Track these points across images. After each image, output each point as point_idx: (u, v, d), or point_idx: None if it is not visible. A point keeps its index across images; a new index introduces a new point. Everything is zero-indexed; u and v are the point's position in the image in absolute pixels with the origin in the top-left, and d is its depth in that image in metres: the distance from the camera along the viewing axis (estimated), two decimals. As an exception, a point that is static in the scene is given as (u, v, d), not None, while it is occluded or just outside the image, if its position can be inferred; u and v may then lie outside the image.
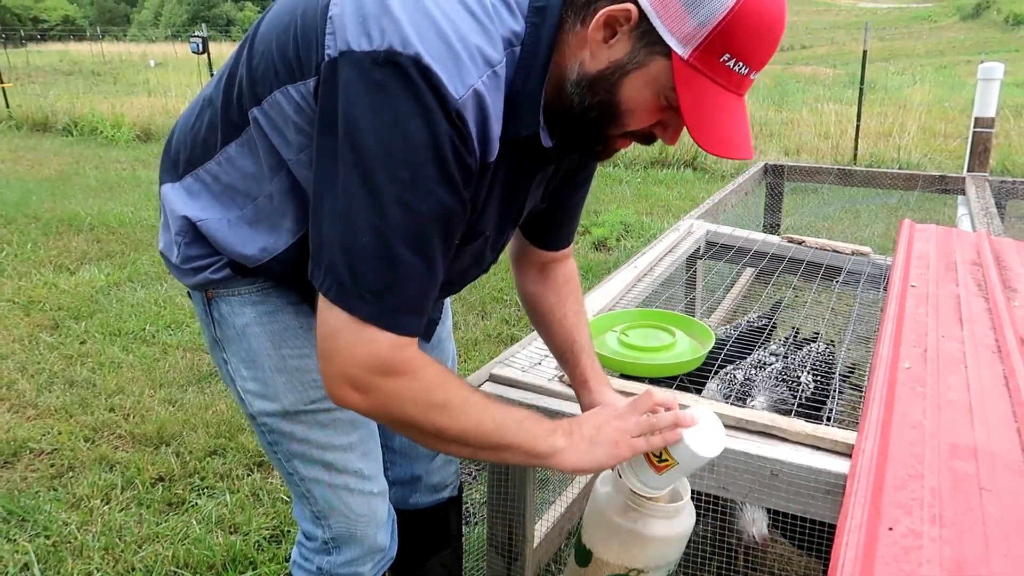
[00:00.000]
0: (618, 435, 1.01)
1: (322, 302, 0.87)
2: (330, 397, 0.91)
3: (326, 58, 0.85)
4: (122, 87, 15.01)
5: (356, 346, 0.86)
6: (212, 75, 9.69)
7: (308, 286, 0.94)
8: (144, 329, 3.46)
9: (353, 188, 0.83)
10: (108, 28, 48.66)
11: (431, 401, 0.91)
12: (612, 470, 1.13)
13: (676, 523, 1.12)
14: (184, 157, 1.06)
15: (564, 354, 1.27)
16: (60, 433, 2.55)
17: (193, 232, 1.05)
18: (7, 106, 11.32)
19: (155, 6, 62.21)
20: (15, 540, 2.03)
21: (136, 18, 64.93)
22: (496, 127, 0.90)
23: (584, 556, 1.19)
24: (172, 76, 13.44)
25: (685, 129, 0.92)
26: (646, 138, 0.97)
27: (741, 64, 0.87)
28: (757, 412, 1.33)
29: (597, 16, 0.87)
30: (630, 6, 0.85)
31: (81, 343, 3.32)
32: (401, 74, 0.81)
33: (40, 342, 3.31)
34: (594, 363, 1.26)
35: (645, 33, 0.86)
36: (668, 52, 0.86)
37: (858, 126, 7.69)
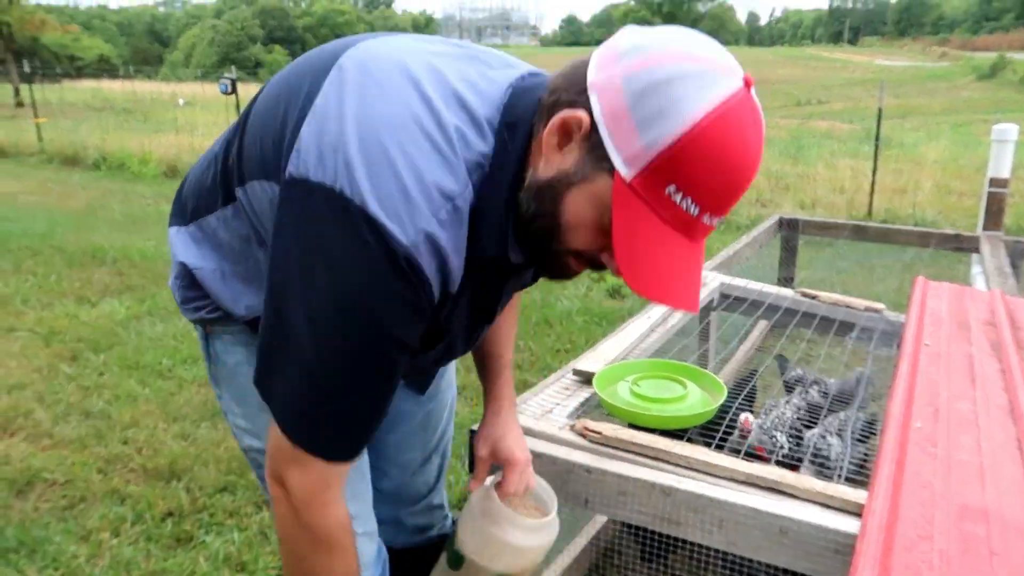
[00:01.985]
0: None
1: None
2: (265, 477, 0.96)
3: (287, 174, 0.84)
4: (151, 124, 15.36)
5: (293, 467, 0.90)
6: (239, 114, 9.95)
7: None
8: (161, 363, 3.50)
9: (293, 325, 0.84)
10: (141, 67, 50.02)
11: (306, 562, 0.96)
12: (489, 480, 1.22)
13: (542, 535, 1.21)
14: (192, 205, 1.09)
15: (485, 363, 1.28)
16: (74, 464, 2.57)
17: (190, 276, 1.08)
18: (40, 140, 11.63)
19: (187, 47, 63.99)
20: (24, 571, 2.04)
21: (168, 58, 66.78)
22: (456, 260, 0.87)
23: (456, 560, 1.25)
24: (200, 115, 13.76)
25: None
26: (592, 263, 0.90)
27: (690, 201, 0.79)
28: (766, 467, 1.34)
29: (554, 119, 0.82)
30: (582, 114, 0.80)
31: (99, 375, 3.36)
32: (349, 222, 0.79)
33: (59, 373, 3.36)
34: (510, 385, 1.29)
35: (595, 145, 0.80)
36: (612, 169, 0.79)
37: (873, 181, 7.73)
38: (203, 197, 1.07)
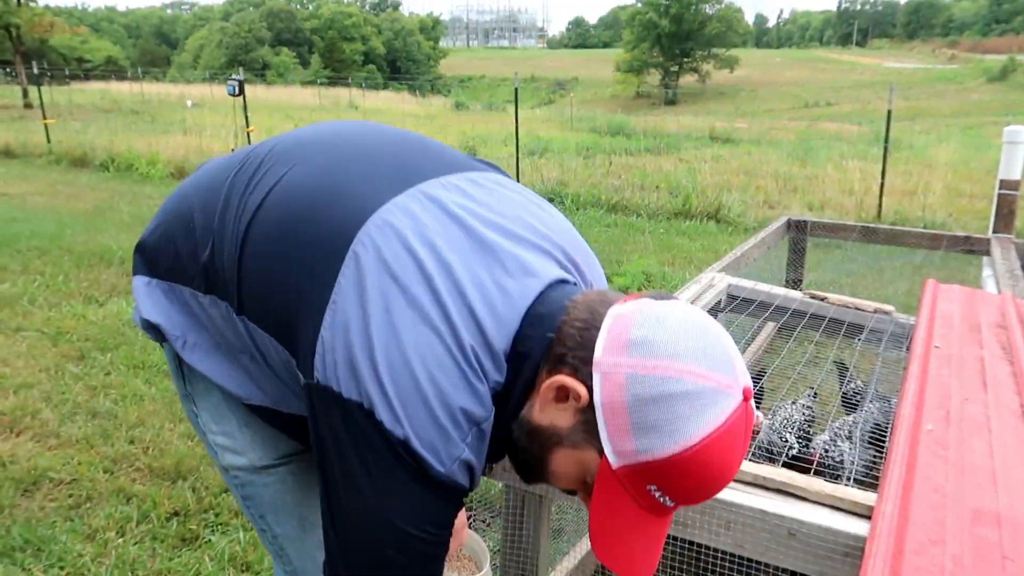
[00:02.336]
0: None
1: None
2: None
3: (314, 379, 0.86)
4: (159, 126, 15.44)
5: None
6: (246, 118, 9.92)
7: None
8: (167, 363, 3.50)
9: (354, 526, 0.87)
10: (149, 69, 50.26)
11: None
12: None
13: None
14: (162, 265, 1.06)
15: None
16: (80, 464, 2.57)
17: (157, 328, 1.06)
18: (48, 141, 11.69)
19: (194, 49, 64.23)
20: (30, 570, 2.04)
21: (176, 60, 67.07)
22: (479, 468, 0.91)
23: None
24: (208, 116, 13.82)
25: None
26: (571, 492, 0.94)
27: (667, 498, 0.83)
28: (775, 470, 1.32)
29: (555, 378, 0.84)
30: (582, 390, 0.82)
31: (106, 375, 3.36)
32: (391, 448, 0.83)
33: (66, 372, 3.36)
34: None
35: (588, 422, 0.83)
36: (602, 450, 0.82)
37: (882, 183, 7.70)
38: (176, 262, 1.03)
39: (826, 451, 1.86)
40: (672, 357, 0.79)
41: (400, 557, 0.88)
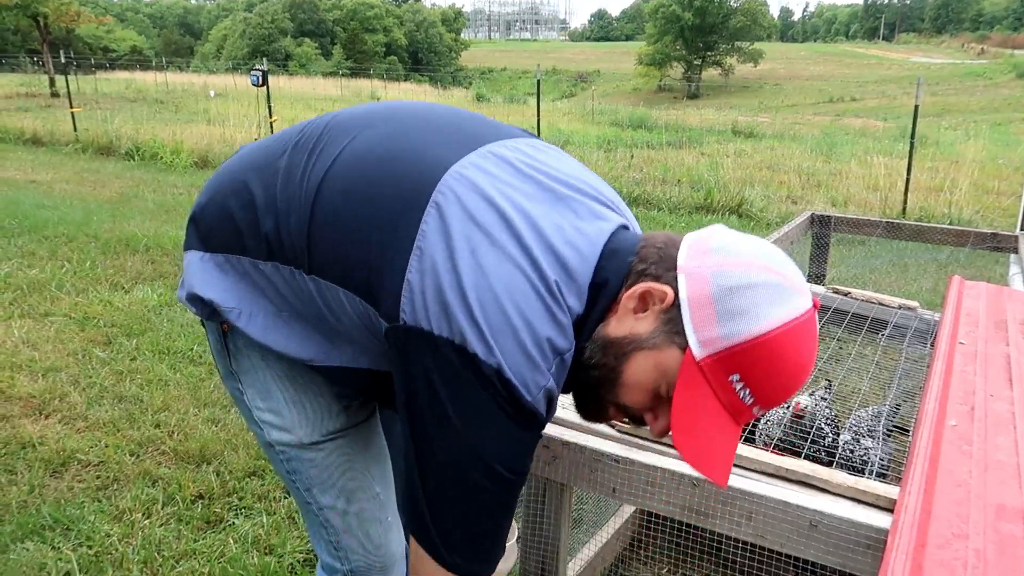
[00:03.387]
0: None
1: (414, 542, 0.96)
2: None
3: (400, 320, 0.89)
4: (183, 115, 15.58)
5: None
6: (270, 108, 9.97)
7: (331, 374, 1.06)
8: (192, 349, 3.55)
9: (440, 467, 0.90)
10: (173, 59, 50.70)
11: None
12: None
13: (507, 562, 1.24)
14: (216, 239, 1.06)
15: None
16: (107, 446, 2.62)
17: (208, 303, 1.06)
18: (75, 130, 11.84)
19: (218, 39, 64.66)
20: (59, 548, 2.08)
21: (200, 50, 67.56)
22: (555, 405, 0.95)
23: None
24: (231, 106, 13.91)
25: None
26: (635, 419, 0.98)
27: (748, 392, 0.87)
28: (797, 461, 1.32)
29: (636, 287, 0.91)
30: (668, 290, 0.89)
31: (131, 360, 3.42)
32: (486, 381, 0.86)
33: (93, 357, 3.42)
34: None
35: (672, 320, 0.89)
36: (685, 345, 0.88)
37: (908, 180, 7.60)
38: (235, 237, 1.04)
39: (851, 450, 1.86)
40: (753, 257, 0.88)
41: (484, 498, 0.91)
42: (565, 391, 0.99)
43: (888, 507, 1.22)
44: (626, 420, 1.00)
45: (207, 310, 1.08)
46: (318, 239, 0.96)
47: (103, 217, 6.33)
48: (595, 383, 0.95)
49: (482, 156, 0.96)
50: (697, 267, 0.89)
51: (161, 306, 4.17)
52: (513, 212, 0.90)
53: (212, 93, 18.78)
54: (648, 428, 0.97)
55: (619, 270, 0.93)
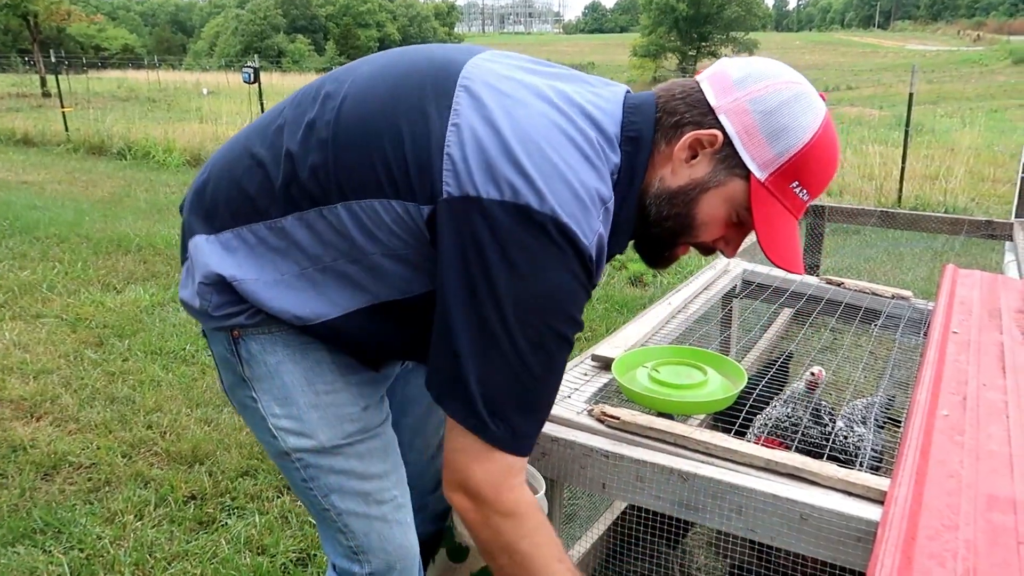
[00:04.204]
0: None
1: (450, 422, 0.96)
2: (445, 496, 0.99)
3: (445, 194, 0.90)
4: (175, 114, 15.52)
5: (478, 463, 0.95)
6: (262, 105, 9.94)
7: (345, 346, 1.07)
8: (184, 349, 3.54)
9: (492, 331, 0.90)
10: (165, 57, 50.51)
11: (515, 547, 0.98)
12: None
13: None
14: (225, 211, 1.05)
15: None
16: (99, 448, 2.61)
17: (224, 284, 1.05)
18: (66, 129, 11.79)
19: (210, 37, 64.43)
20: (50, 551, 2.07)
21: (192, 48, 67.32)
22: (604, 260, 1.00)
23: (460, 553, 1.28)
24: (224, 104, 13.87)
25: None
26: (707, 249, 1.08)
27: (805, 192, 1.00)
28: (788, 454, 1.31)
29: (684, 138, 0.98)
30: (717, 132, 0.97)
31: (123, 360, 3.40)
32: (540, 231, 0.89)
33: (84, 358, 3.40)
34: None
35: (727, 157, 0.98)
36: (747, 175, 0.98)
37: (903, 168, 7.59)
38: (243, 204, 1.04)
39: (845, 438, 1.85)
40: (772, 76, 0.98)
41: (534, 360, 0.91)
42: (619, 249, 1.05)
43: (879, 499, 1.21)
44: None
45: (220, 306, 1.05)
46: (345, 161, 0.97)
47: (95, 217, 6.30)
48: (670, 233, 1.03)
49: (486, 56, 1.02)
50: (733, 103, 0.97)
51: (153, 306, 4.15)
52: (538, 82, 0.98)
53: (205, 91, 18.73)
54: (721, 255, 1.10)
55: (647, 124, 0.99)
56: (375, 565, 1.19)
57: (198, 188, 1.11)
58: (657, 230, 1.03)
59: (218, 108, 13.46)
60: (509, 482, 0.96)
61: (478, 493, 0.96)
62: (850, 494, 1.23)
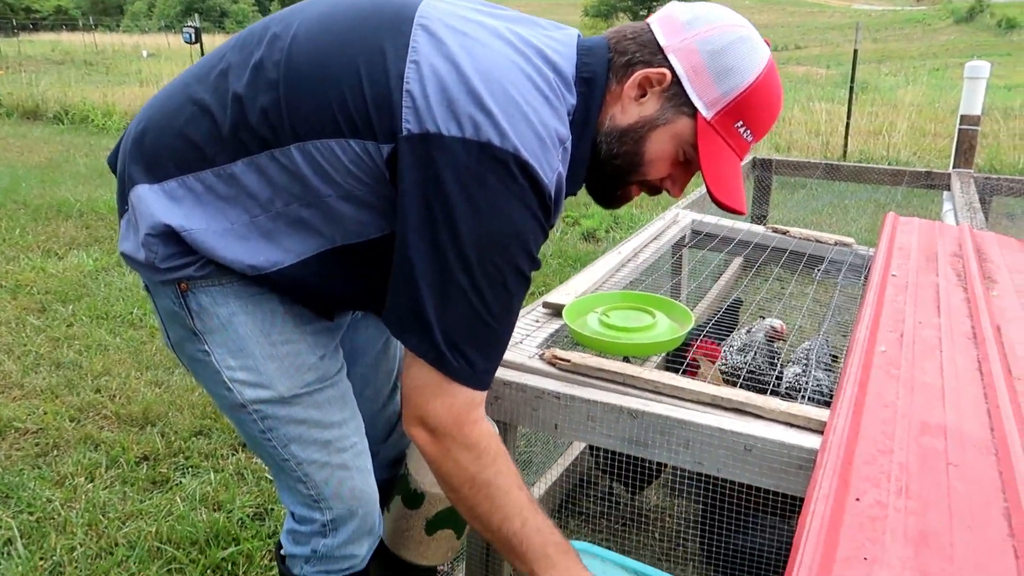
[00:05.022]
0: None
1: (410, 357, 0.96)
2: (405, 430, 1.00)
3: (404, 131, 0.90)
4: (114, 77, 14.93)
5: (439, 398, 0.96)
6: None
7: (299, 296, 1.06)
8: (132, 312, 3.46)
9: (451, 267, 0.91)
10: (101, 19, 48.39)
11: (479, 478, 1.00)
12: None
13: None
14: (168, 160, 1.02)
15: None
16: (46, 413, 2.55)
17: (171, 235, 1.01)
18: (-2, 93, 11.27)
19: (149, -3, 61.82)
20: (-1, 517, 2.04)
21: (129, 9, 64.52)
22: (562, 200, 1.01)
23: (415, 499, 1.30)
24: (165, 66, 13.40)
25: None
26: (654, 189, 1.10)
27: (748, 132, 1.03)
28: (732, 390, 1.35)
29: (634, 76, 1.00)
30: (665, 70, 0.99)
31: (68, 326, 3.32)
32: (501, 168, 0.89)
33: (27, 325, 3.31)
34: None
35: (675, 95, 1.00)
36: (694, 113, 1.01)
37: (848, 124, 7.74)
38: (187, 152, 1.01)
39: (797, 381, 1.91)
40: (718, 19, 1.01)
41: (492, 296, 0.93)
42: (575, 188, 1.06)
43: (819, 429, 1.26)
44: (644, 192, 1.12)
45: (168, 258, 1.02)
46: (298, 101, 0.95)
47: (32, 183, 6.07)
48: (620, 171, 1.05)
49: (437, 0, 1.01)
50: (681, 43, 1.00)
51: (97, 271, 4.04)
52: (495, 23, 0.99)
53: (144, 53, 18.06)
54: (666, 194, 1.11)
55: (601, 65, 1.01)
56: (337, 511, 1.19)
57: (136, 137, 1.06)
58: (607, 168, 1.05)
59: (159, 70, 13.00)
60: (471, 415, 0.98)
61: (438, 427, 0.97)
62: (792, 425, 1.28)
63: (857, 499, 1.05)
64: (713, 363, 1.72)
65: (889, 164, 6.85)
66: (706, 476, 1.45)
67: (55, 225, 4.88)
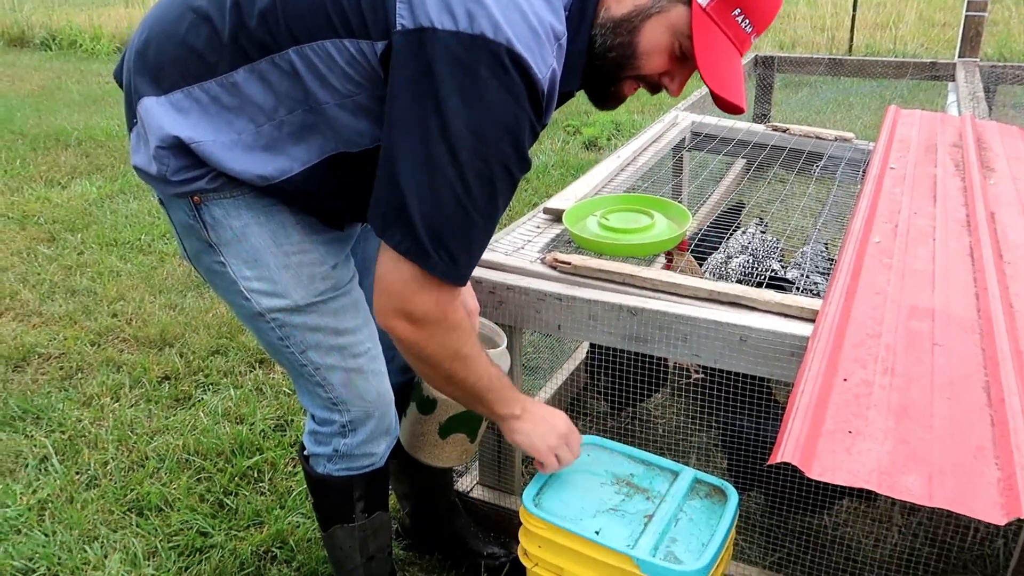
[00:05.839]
0: (550, 441, 1.20)
1: (390, 253, 0.97)
2: (379, 322, 1.03)
3: (399, 27, 0.90)
4: (98, -2, 14.48)
5: (423, 293, 0.99)
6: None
7: (308, 205, 1.09)
8: (140, 239, 3.50)
9: (439, 161, 0.91)
10: (77, -64, 46.32)
11: (460, 352, 1.06)
12: None
13: (500, 363, 1.34)
14: (173, 70, 1.03)
15: None
16: (66, 339, 2.63)
17: (181, 147, 1.03)
18: (-20, 21, 10.97)
19: (125, -89, 59.04)
20: (32, 436, 2.13)
21: (106, -76, 61.67)
22: (556, 92, 1.00)
23: (428, 405, 1.37)
24: (148, -15, 12.95)
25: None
26: (653, 86, 1.08)
27: (747, 22, 1.00)
28: (728, 284, 1.39)
29: None
30: None
31: (79, 254, 3.36)
32: (494, 61, 0.89)
33: (38, 254, 3.36)
34: None
35: None
36: (689, 1, 0.98)
37: (854, 16, 7.51)
38: (190, 62, 1.01)
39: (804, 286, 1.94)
40: None
41: (479, 191, 0.94)
42: (572, 88, 1.05)
43: (811, 318, 1.30)
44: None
45: (179, 170, 1.04)
46: (293, 2, 0.96)
47: (27, 113, 6.00)
48: (614, 65, 1.03)
49: None
50: None
51: (102, 199, 4.05)
52: None
53: (126, -29, 17.42)
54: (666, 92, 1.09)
55: None
56: (354, 413, 1.25)
57: (139, 49, 1.07)
58: (600, 62, 1.03)
59: (143, -11, 12.58)
60: (453, 304, 1.03)
61: (424, 318, 1.01)
62: (786, 315, 1.33)
63: (844, 379, 1.10)
64: (684, 253, 1.77)
65: (896, 57, 6.68)
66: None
67: (55, 154, 4.86)
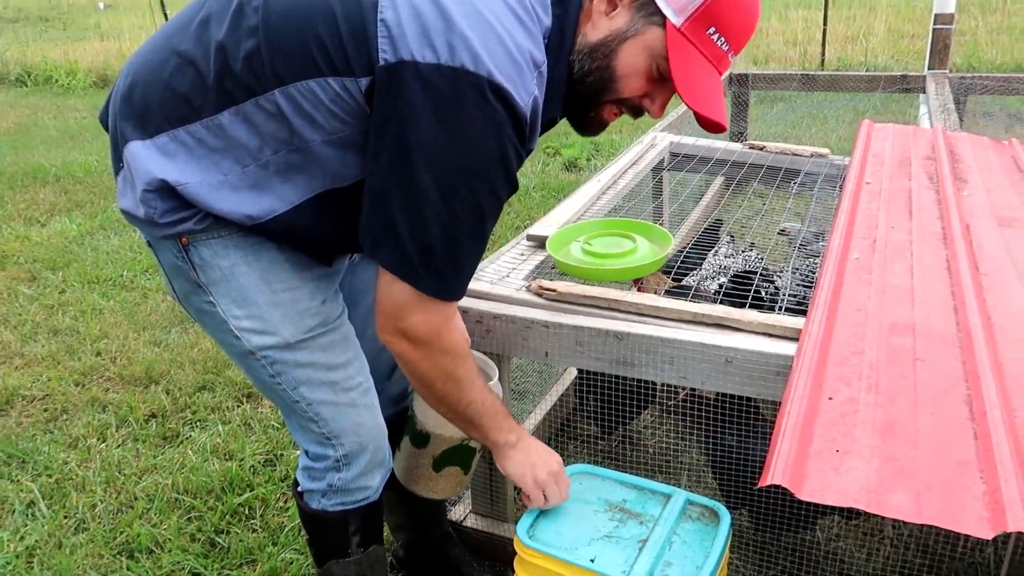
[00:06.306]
0: (540, 475, 1.23)
1: (386, 274, 1.01)
2: (380, 339, 1.06)
3: (382, 62, 0.92)
4: (73, 32, 14.45)
5: (417, 313, 1.02)
6: (166, 15, 9.32)
7: (297, 242, 1.10)
8: (122, 275, 3.48)
9: (425, 192, 0.94)
10: (51, -29, 46.29)
11: (454, 374, 1.11)
12: None
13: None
14: (158, 114, 1.04)
15: None
16: (50, 379, 2.60)
17: (168, 190, 1.04)
18: (-45, 59, 10.91)
19: (98, -55, 59.13)
20: (18, 480, 2.11)
21: (80, -41, 61.69)
22: (538, 124, 1.03)
23: (422, 439, 1.38)
24: (125, 18, 12.97)
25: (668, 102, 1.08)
26: (634, 109, 1.09)
27: (723, 40, 1.01)
28: (712, 306, 1.41)
29: None
30: None
31: (60, 293, 3.34)
32: (475, 92, 0.91)
33: (19, 294, 3.33)
34: None
35: (644, 5, 1.00)
36: (663, 22, 1.00)
37: (825, 31, 7.64)
38: (176, 105, 1.02)
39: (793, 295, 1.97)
40: None
41: (467, 215, 0.96)
42: (555, 115, 1.07)
43: (795, 337, 1.32)
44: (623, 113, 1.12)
45: (167, 212, 1.05)
46: (278, 43, 0.97)
47: (3, 150, 5.97)
48: (593, 90, 1.05)
49: None
50: None
51: (82, 236, 4.03)
52: None
53: (102, 6, 17.45)
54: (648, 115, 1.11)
55: None
56: (348, 447, 1.25)
57: (124, 93, 1.08)
58: (580, 88, 1.05)
59: (119, 23, 12.58)
60: (447, 325, 1.07)
61: (419, 338, 1.04)
62: (770, 335, 1.34)
63: (830, 398, 1.12)
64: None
65: (867, 70, 6.80)
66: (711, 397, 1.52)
67: (33, 192, 4.83)
